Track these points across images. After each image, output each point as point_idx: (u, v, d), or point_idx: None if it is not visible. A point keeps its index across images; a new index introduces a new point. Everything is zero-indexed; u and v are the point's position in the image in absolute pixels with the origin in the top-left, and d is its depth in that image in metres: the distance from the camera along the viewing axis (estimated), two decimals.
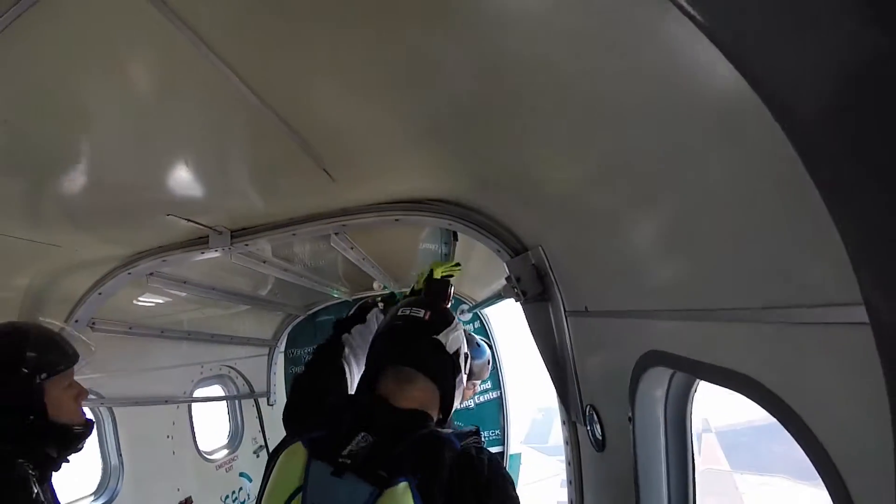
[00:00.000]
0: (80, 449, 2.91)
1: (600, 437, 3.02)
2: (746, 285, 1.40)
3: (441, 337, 2.42)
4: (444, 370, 2.39)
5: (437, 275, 3.53)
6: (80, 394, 2.91)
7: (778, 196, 1.11)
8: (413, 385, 2.31)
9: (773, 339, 1.33)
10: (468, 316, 8.04)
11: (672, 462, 2.47)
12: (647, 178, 1.73)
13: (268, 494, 2.08)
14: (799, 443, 1.27)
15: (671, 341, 1.95)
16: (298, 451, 2.08)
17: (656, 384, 2.30)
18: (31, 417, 2.65)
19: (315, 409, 2.33)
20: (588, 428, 3.18)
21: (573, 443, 3.64)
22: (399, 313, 2.52)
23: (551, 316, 3.41)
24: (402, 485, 1.83)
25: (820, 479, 1.21)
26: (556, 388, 3.51)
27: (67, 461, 2.85)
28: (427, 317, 2.47)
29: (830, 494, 1.18)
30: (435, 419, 2.34)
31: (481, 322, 8.15)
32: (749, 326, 1.41)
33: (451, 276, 3.62)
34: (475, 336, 5.50)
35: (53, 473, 2.88)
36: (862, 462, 1.10)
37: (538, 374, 3.70)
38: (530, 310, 3.49)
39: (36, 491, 2.51)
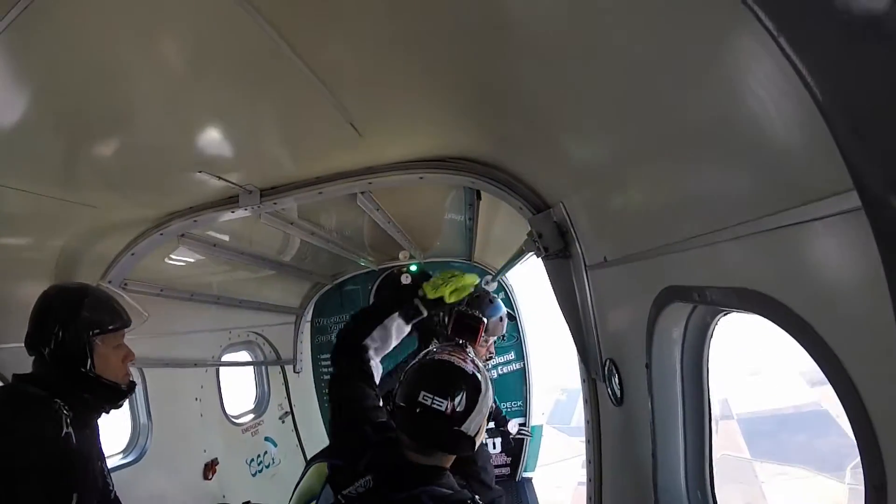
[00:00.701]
0: (119, 406, 3.12)
1: (619, 391, 3.07)
2: (749, 198, 1.46)
3: (464, 427, 2.44)
4: (464, 446, 2.49)
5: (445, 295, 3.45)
6: (128, 356, 3.13)
7: (777, 112, 1.17)
8: (432, 456, 2.49)
9: (776, 247, 1.39)
10: (493, 286, 7.95)
11: (688, 410, 2.51)
12: (663, 128, 1.78)
13: (298, 492, 2.66)
14: (809, 352, 1.32)
15: (686, 272, 2.00)
16: (323, 469, 2.59)
17: (673, 324, 2.34)
18: (81, 370, 2.90)
19: (350, 439, 2.69)
20: (607, 383, 3.22)
21: (592, 401, 3.70)
22: (422, 399, 2.43)
23: (572, 272, 3.46)
24: None
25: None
26: (576, 345, 3.56)
27: (107, 412, 3.10)
28: (450, 410, 2.42)
29: (840, 397, 1.24)
30: (450, 464, 2.59)
31: (506, 293, 8.13)
32: (754, 239, 1.47)
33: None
34: (489, 292, 5.38)
35: (96, 421, 3.08)
36: (868, 357, 1.16)
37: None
38: (551, 266, 3.54)
39: (67, 430, 2.67)
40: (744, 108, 1.29)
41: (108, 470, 3.23)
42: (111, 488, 3.21)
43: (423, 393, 2.42)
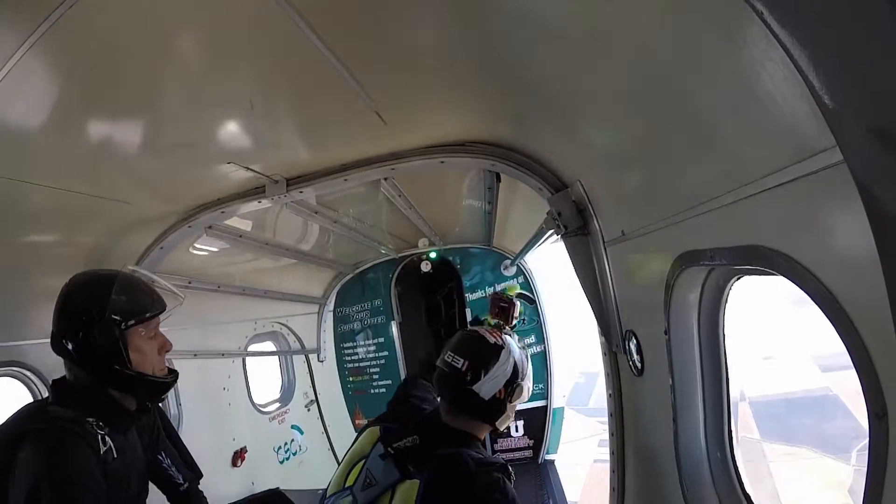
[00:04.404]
0: (162, 400, 3.01)
1: (639, 362, 3.17)
2: (752, 162, 1.58)
3: (476, 387, 2.84)
4: (483, 410, 2.89)
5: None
6: (164, 345, 2.82)
7: (774, 85, 1.29)
8: (458, 418, 2.90)
9: (777, 203, 1.51)
10: (512, 270, 8.10)
11: (707, 373, 2.61)
12: (673, 101, 1.89)
13: (349, 453, 2.96)
14: (811, 297, 1.44)
15: (700, 237, 2.10)
16: (375, 432, 2.92)
17: (689, 289, 2.44)
18: (116, 367, 2.60)
19: (401, 409, 3.21)
20: (628, 355, 3.32)
21: (614, 374, 3.78)
22: (446, 357, 2.94)
23: (591, 248, 3.55)
24: (416, 481, 2.58)
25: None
26: (596, 319, 3.65)
27: (147, 411, 2.87)
28: (465, 367, 2.86)
29: (839, 334, 1.36)
30: (483, 436, 3.00)
31: (525, 277, 8.14)
32: (759, 198, 1.58)
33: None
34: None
35: (148, 417, 2.97)
36: (862, 294, 1.27)
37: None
38: (571, 244, 3.64)
39: (104, 448, 2.52)
40: (744, 85, 1.42)
41: (174, 462, 3.16)
42: (179, 482, 3.14)
43: (448, 352, 2.94)
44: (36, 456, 2.31)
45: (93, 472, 2.42)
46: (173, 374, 2.86)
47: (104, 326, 2.56)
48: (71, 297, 2.64)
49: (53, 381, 2.70)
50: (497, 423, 2.95)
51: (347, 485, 2.84)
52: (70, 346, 2.57)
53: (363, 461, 2.84)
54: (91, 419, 2.52)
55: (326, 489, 2.93)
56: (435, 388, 3.07)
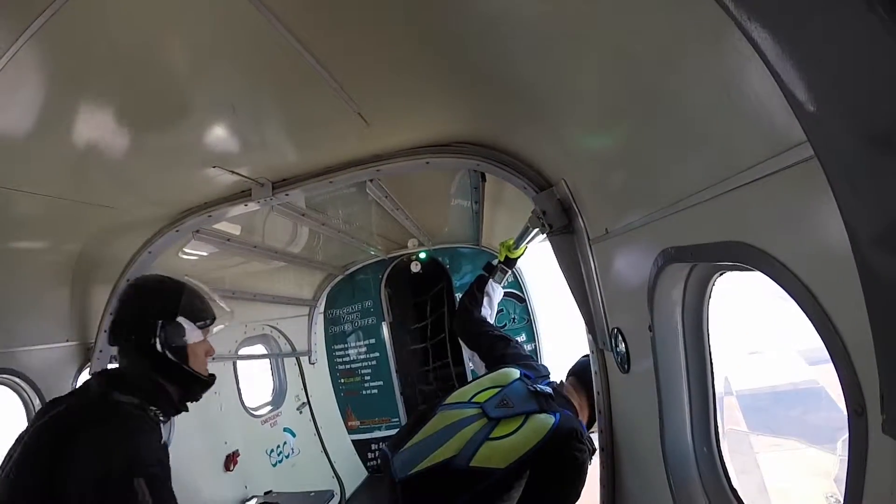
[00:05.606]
0: (199, 398, 3.12)
1: (625, 358, 3.17)
2: (730, 158, 1.59)
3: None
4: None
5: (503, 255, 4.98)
6: (209, 351, 3.14)
7: (749, 80, 1.31)
8: (576, 392, 3.86)
9: (754, 199, 1.52)
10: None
11: (692, 368, 2.61)
12: (654, 98, 1.90)
13: (482, 378, 3.82)
14: (789, 293, 1.45)
15: (681, 234, 2.10)
16: (512, 372, 3.77)
17: (672, 285, 2.44)
18: (178, 363, 2.89)
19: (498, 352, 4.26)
20: (614, 352, 3.32)
21: (602, 371, 3.77)
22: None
23: (576, 246, 3.55)
24: (551, 417, 3.31)
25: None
26: (583, 317, 3.66)
27: (186, 409, 3.08)
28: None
29: (816, 328, 1.37)
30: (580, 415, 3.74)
31: (515, 275, 8.10)
32: (736, 194, 1.59)
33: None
34: None
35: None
36: (838, 290, 1.28)
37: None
38: (556, 242, 3.64)
39: (164, 436, 2.78)
40: (721, 80, 1.44)
41: None
42: None
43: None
44: (117, 442, 2.45)
45: (163, 457, 2.59)
46: (213, 376, 3.14)
47: (176, 327, 2.90)
48: (148, 296, 2.97)
49: (104, 370, 3.01)
50: (592, 421, 3.82)
51: (475, 401, 3.51)
52: (137, 340, 2.82)
53: (499, 388, 3.57)
54: (153, 408, 2.75)
55: (444, 397, 3.67)
56: (570, 373, 4.05)
